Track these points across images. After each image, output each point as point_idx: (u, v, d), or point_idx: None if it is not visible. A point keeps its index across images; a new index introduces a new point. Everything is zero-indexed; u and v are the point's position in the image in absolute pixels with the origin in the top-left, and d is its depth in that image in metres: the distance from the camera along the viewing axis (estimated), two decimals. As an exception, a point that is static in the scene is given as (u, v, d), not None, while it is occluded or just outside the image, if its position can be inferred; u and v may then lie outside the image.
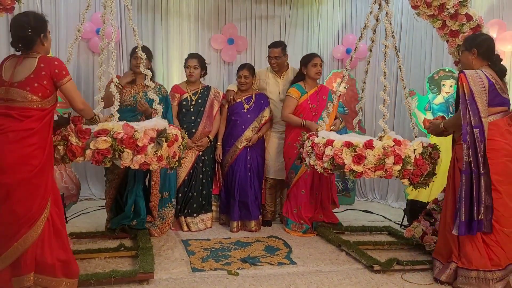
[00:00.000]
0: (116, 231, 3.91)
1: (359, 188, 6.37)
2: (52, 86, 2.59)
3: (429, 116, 5.03)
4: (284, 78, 4.73)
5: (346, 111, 6.12)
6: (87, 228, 4.08)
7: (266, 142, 4.70)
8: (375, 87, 6.21)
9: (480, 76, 2.98)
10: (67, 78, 2.61)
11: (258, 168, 4.53)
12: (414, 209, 4.30)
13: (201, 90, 4.45)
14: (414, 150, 3.20)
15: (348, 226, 4.46)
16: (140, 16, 5.81)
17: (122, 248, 3.54)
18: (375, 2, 3.63)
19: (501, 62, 3.23)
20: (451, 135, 3.31)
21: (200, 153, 4.40)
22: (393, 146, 3.16)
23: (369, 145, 3.15)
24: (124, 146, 2.75)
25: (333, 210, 4.63)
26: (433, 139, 3.61)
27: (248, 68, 4.56)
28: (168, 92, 4.30)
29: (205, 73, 4.51)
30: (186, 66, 4.42)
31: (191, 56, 4.46)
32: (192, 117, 4.37)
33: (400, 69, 3.65)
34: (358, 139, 3.23)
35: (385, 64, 3.50)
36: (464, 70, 3.04)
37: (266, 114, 4.57)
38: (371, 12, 3.66)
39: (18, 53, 2.66)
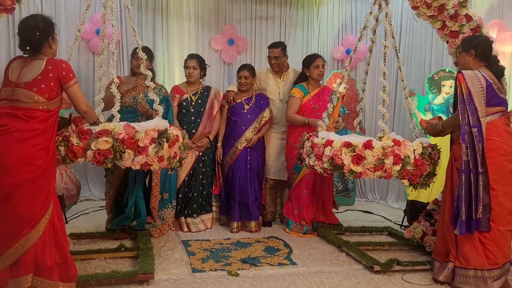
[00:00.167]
0: (116, 231, 3.92)
1: (359, 188, 6.37)
2: (59, 88, 2.62)
3: (429, 117, 5.03)
4: (284, 78, 4.73)
5: (346, 112, 6.12)
6: (87, 229, 4.09)
7: (266, 142, 4.70)
8: (375, 88, 6.21)
9: (478, 76, 3.00)
10: (73, 81, 2.66)
11: (258, 168, 4.53)
12: (414, 210, 4.30)
13: (201, 91, 4.45)
14: (414, 150, 3.20)
15: (348, 227, 4.46)
16: (140, 16, 5.81)
17: (122, 249, 3.54)
18: (375, 2, 3.63)
19: (500, 63, 3.26)
20: (449, 136, 3.32)
21: (200, 153, 4.40)
22: (392, 146, 3.16)
23: (368, 145, 3.15)
24: (125, 146, 2.75)
25: (333, 211, 4.63)
26: (433, 140, 3.61)
27: (248, 69, 4.56)
28: (169, 92, 4.30)
29: (205, 74, 4.51)
30: (185, 67, 4.42)
31: (190, 56, 4.46)
32: (192, 118, 4.37)
33: (400, 69, 3.65)
34: (357, 140, 3.23)
35: (384, 65, 3.50)
36: (462, 71, 3.06)
37: (266, 114, 4.57)
38: (371, 13, 3.66)
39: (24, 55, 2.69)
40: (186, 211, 4.34)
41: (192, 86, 4.45)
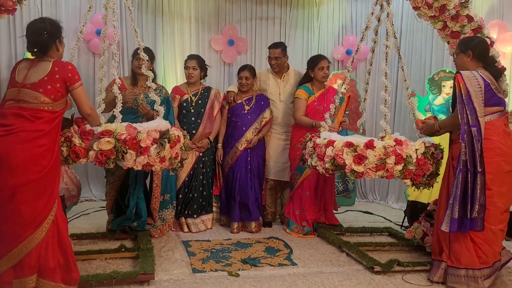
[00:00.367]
0: (117, 232, 3.91)
1: (359, 189, 6.38)
2: (64, 90, 2.65)
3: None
4: (284, 79, 4.74)
5: (347, 112, 6.11)
6: (87, 229, 4.09)
7: (267, 143, 4.70)
8: (376, 88, 6.21)
9: (476, 76, 3.02)
10: (78, 83, 2.69)
11: (258, 169, 4.53)
12: (414, 210, 4.30)
13: (202, 91, 4.45)
14: (416, 150, 3.20)
15: (348, 227, 4.46)
16: (141, 17, 5.81)
17: (123, 249, 3.54)
18: (376, 3, 3.63)
19: (496, 64, 3.29)
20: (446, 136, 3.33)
21: (201, 154, 4.40)
22: (394, 146, 3.16)
23: (369, 145, 3.15)
24: (127, 147, 2.76)
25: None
26: (436, 139, 3.62)
27: (249, 69, 4.57)
28: (169, 93, 4.30)
29: (206, 74, 4.51)
30: (185, 67, 4.42)
31: (190, 57, 4.46)
32: (193, 118, 4.37)
33: (402, 69, 3.65)
34: (359, 140, 3.23)
35: (386, 65, 3.50)
36: (461, 71, 3.09)
37: (266, 115, 4.57)
38: (372, 13, 3.66)
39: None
40: (186, 212, 4.34)
41: (192, 86, 4.45)
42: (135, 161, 2.81)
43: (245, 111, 4.52)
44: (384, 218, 5.15)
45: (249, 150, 4.48)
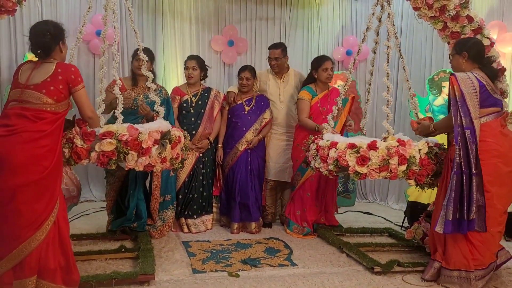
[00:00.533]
0: (117, 232, 3.92)
1: (359, 189, 6.37)
2: (67, 91, 2.67)
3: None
4: (284, 79, 4.73)
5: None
6: (87, 230, 4.09)
7: (267, 143, 4.69)
8: (376, 88, 6.20)
9: (471, 78, 3.03)
10: (81, 85, 2.71)
11: (258, 169, 4.53)
12: (414, 211, 4.30)
13: (202, 92, 4.45)
14: (419, 150, 3.20)
15: (348, 228, 4.46)
16: (141, 18, 5.80)
17: (123, 250, 3.54)
18: (377, 3, 3.63)
19: (493, 65, 3.30)
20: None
21: (201, 154, 4.40)
22: (397, 146, 3.15)
23: (372, 146, 3.14)
24: (129, 148, 2.77)
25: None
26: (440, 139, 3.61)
27: (249, 70, 4.57)
28: (169, 94, 4.30)
29: (206, 75, 4.51)
30: (185, 68, 4.42)
31: (190, 57, 4.46)
32: (193, 119, 4.37)
33: (404, 69, 3.65)
34: (362, 141, 3.23)
35: (387, 65, 3.50)
36: (455, 73, 3.10)
37: (266, 115, 4.57)
38: (373, 14, 3.66)
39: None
40: (186, 212, 4.34)
41: (192, 87, 4.45)
42: (137, 162, 2.82)
43: (245, 112, 4.52)
44: (384, 218, 5.15)
45: (249, 151, 4.48)
